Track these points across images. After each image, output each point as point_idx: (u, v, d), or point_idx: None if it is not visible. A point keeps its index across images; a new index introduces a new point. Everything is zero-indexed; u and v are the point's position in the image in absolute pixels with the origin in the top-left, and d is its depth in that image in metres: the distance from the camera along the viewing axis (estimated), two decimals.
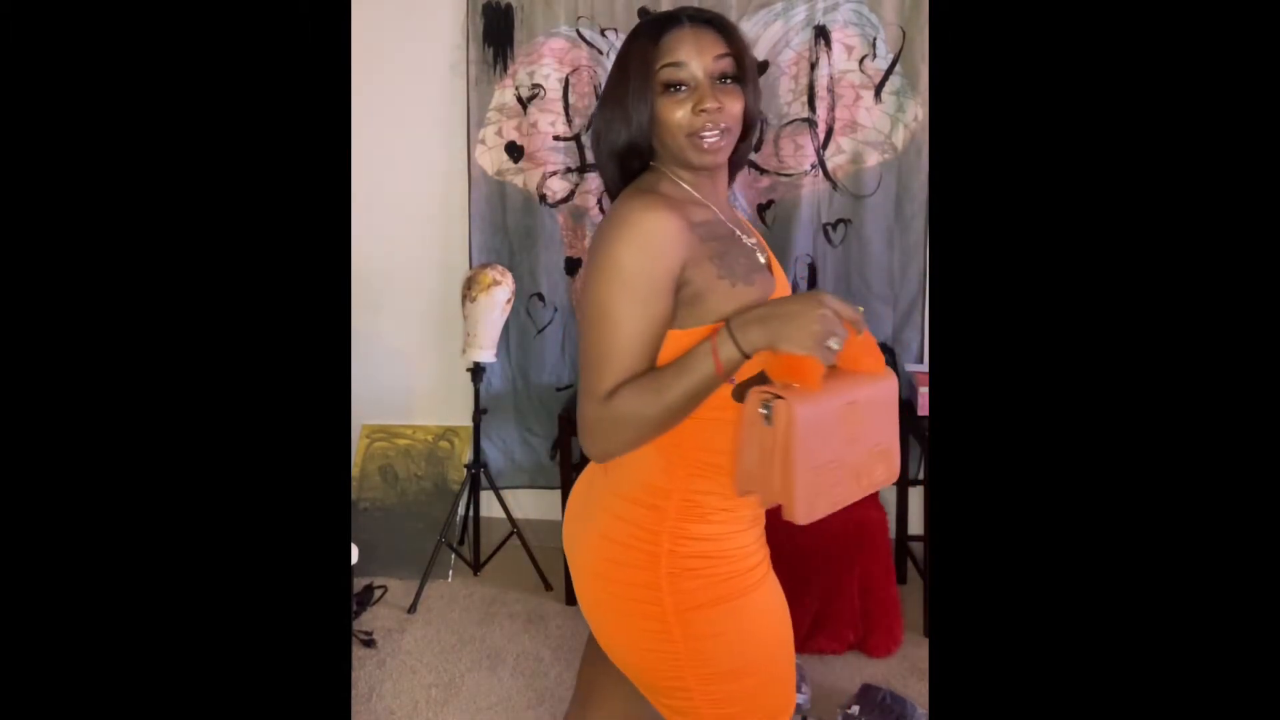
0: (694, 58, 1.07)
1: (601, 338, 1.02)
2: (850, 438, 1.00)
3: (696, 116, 1.06)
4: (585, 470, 1.26)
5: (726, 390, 1.07)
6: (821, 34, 2.75)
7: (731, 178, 1.23)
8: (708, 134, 1.07)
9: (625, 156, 1.13)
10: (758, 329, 0.98)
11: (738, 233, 1.14)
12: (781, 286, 1.16)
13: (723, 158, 1.11)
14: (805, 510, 0.96)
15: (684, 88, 1.07)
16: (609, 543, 1.13)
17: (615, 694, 1.32)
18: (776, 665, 1.16)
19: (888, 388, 1.05)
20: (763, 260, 1.16)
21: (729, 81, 1.09)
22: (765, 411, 0.95)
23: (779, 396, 0.95)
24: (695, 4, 2.78)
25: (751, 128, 1.15)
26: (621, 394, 1.01)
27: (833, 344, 0.94)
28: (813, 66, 2.76)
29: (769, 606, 1.16)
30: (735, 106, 1.09)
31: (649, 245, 1.01)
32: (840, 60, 2.77)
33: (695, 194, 1.13)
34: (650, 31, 1.09)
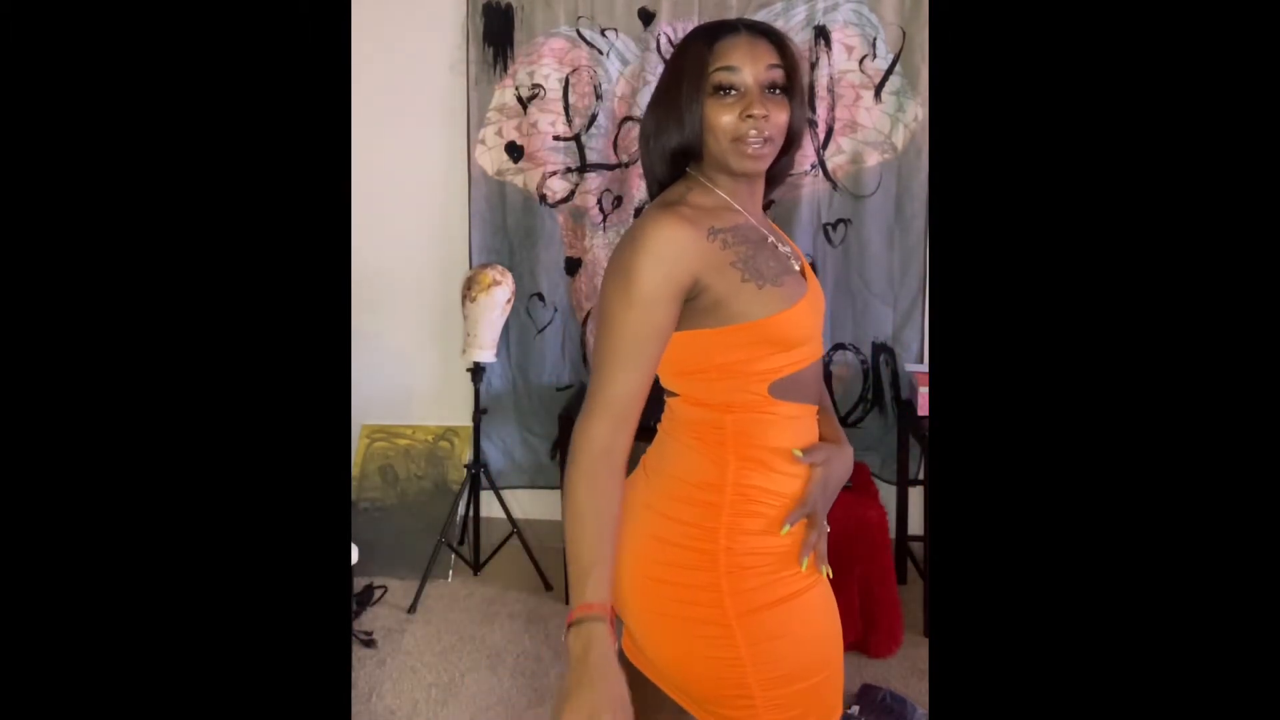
0: (747, 64, 1.08)
1: (601, 342, 1.05)
2: None
3: (744, 122, 1.08)
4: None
5: (764, 388, 1.10)
6: (821, 34, 2.75)
7: (770, 190, 1.24)
8: (752, 140, 1.08)
9: (675, 158, 1.14)
10: (571, 665, 0.95)
11: (771, 239, 1.16)
12: (814, 293, 1.17)
13: (764, 165, 1.12)
14: None
15: (734, 92, 1.09)
16: (662, 544, 1.11)
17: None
18: (832, 663, 1.15)
19: None
20: (796, 267, 1.17)
21: (778, 92, 1.11)
22: None
23: None
24: (696, 10, 2.78)
25: (794, 142, 1.17)
26: (580, 463, 1.03)
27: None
28: (813, 66, 2.76)
29: (824, 604, 1.16)
30: (781, 117, 1.10)
31: (656, 256, 1.03)
32: (840, 60, 2.77)
33: (730, 200, 1.14)
34: (706, 36, 1.11)
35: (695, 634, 1.10)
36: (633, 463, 1.24)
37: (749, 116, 1.07)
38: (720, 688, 1.10)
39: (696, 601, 1.09)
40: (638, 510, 1.14)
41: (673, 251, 1.03)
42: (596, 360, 1.06)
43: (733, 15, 2.73)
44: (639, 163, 1.35)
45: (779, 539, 1.11)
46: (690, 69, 1.10)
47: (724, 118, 1.08)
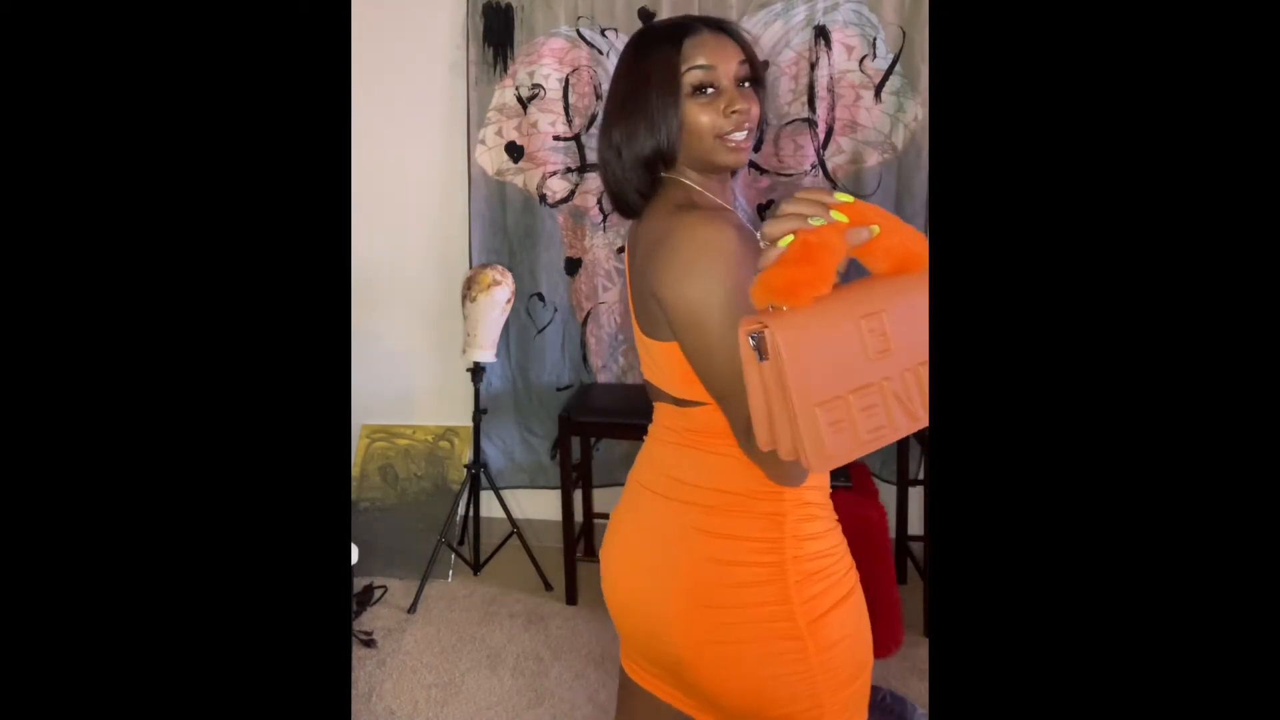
0: (720, 62, 1.08)
1: (727, 370, 0.98)
2: (880, 356, 0.81)
3: (727, 118, 1.07)
4: (619, 514, 1.19)
5: None
6: (821, 34, 2.75)
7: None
8: (737, 134, 1.08)
9: (653, 164, 1.12)
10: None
11: (755, 234, 1.16)
12: None
13: (745, 158, 1.12)
14: (817, 454, 0.77)
15: (711, 90, 1.08)
16: (722, 566, 1.06)
17: None
18: (871, 659, 1.16)
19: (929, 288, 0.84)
20: None
21: (748, 85, 1.11)
22: (753, 343, 0.77)
23: (766, 326, 0.77)
24: (696, 8, 2.78)
25: (761, 133, 1.18)
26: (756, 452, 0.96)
27: (812, 220, 0.79)
28: (813, 66, 2.76)
29: (862, 604, 1.17)
30: (756, 109, 1.11)
31: (721, 254, 0.99)
32: (840, 60, 2.77)
33: (720, 200, 1.14)
34: (667, 38, 1.10)
35: (770, 652, 1.05)
36: (616, 466, 1.22)
37: (733, 112, 1.07)
38: (794, 703, 1.06)
39: (769, 617, 1.05)
40: (686, 534, 1.08)
41: (738, 246, 1.00)
42: (723, 381, 0.97)
43: (733, 15, 2.74)
44: None
45: (830, 539, 1.11)
46: (659, 73, 1.08)
47: (704, 117, 1.07)
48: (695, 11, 2.77)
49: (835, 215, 0.79)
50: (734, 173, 1.22)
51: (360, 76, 2.89)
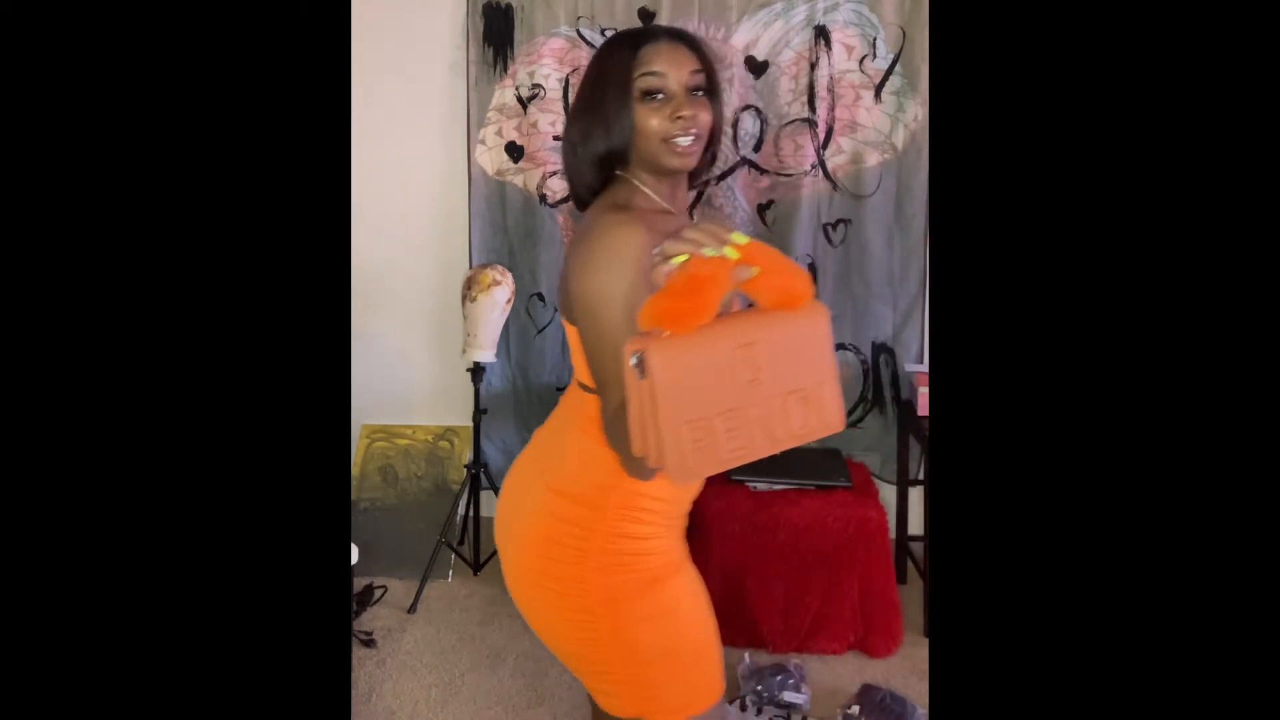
0: (671, 69, 1.15)
1: (604, 348, 1.08)
2: (749, 383, 0.88)
3: (673, 123, 1.14)
4: (518, 460, 1.33)
5: None
6: (821, 34, 2.75)
7: (691, 187, 1.31)
8: (682, 139, 1.15)
9: (603, 163, 1.20)
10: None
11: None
12: None
13: (694, 163, 1.19)
14: (678, 467, 0.86)
15: (660, 96, 1.15)
16: (546, 542, 1.20)
17: None
18: (697, 652, 1.23)
19: (807, 324, 0.91)
20: None
21: (700, 94, 1.17)
22: (635, 362, 0.85)
23: (647, 348, 0.85)
24: (695, 10, 2.78)
25: (715, 140, 1.24)
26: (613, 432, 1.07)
27: (657, 276, 0.87)
28: (813, 66, 2.76)
29: (687, 593, 1.24)
30: (706, 117, 1.17)
31: (622, 259, 1.07)
32: (840, 60, 2.77)
33: (664, 203, 1.20)
34: (627, 44, 1.17)
35: (567, 619, 1.20)
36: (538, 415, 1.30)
37: (679, 118, 1.14)
38: (582, 661, 1.23)
39: (567, 592, 1.19)
40: (526, 504, 1.24)
41: (643, 258, 1.06)
42: (605, 378, 1.08)
43: (733, 15, 2.75)
44: None
45: (651, 543, 1.20)
46: (614, 76, 1.16)
47: (652, 121, 1.14)
48: (695, 13, 2.78)
49: (728, 251, 0.86)
50: (691, 181, 1.29)
51: (360, 77, 2.89)
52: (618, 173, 1.21)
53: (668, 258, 0.87)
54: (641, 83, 1.14)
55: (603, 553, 1.17)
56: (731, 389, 0.88)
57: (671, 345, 0.85)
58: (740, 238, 0.87)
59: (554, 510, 1.20)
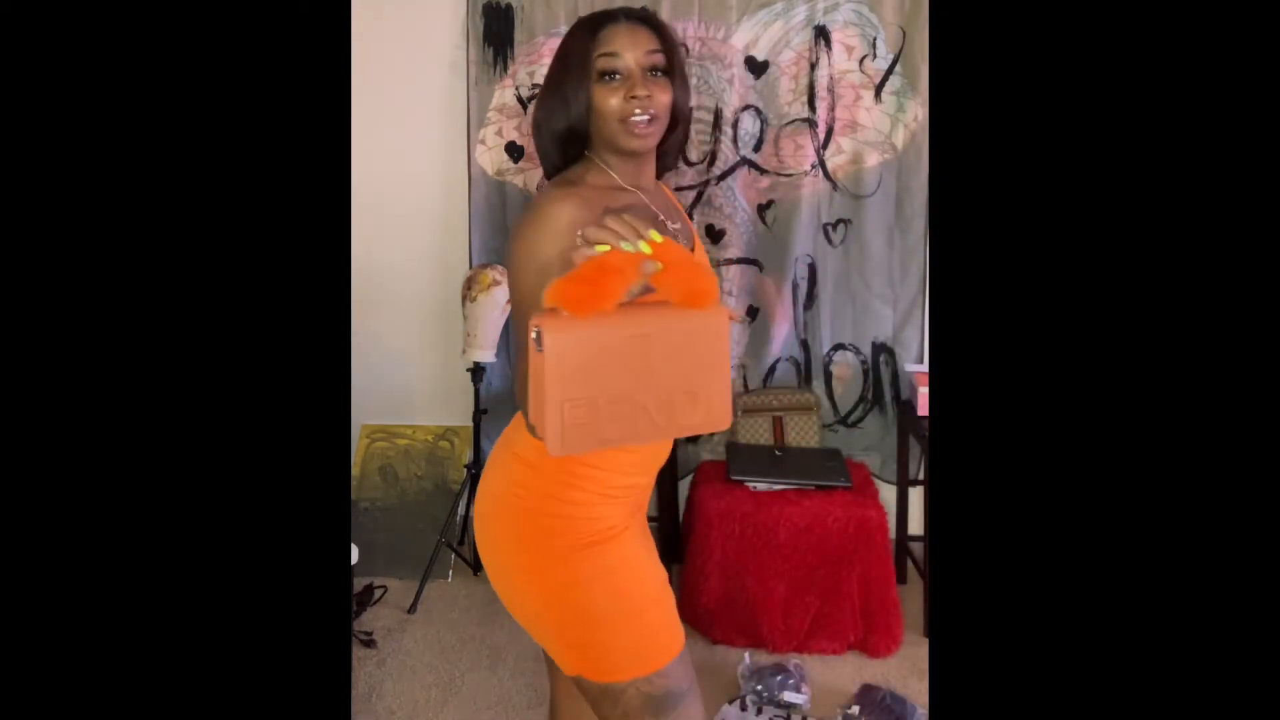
0: (628, 50, 1.17)
1: (515, 312, 1.14)
2: (640, 373, 0.91)
3: (628, 103, 1.16)
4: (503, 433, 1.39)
5: None
6: (821, 34, 2.75)
7: (664, 169, 1.33)
8: (638, 119, 1.16)
9: (566, 142, 1.22)
10: None
11: (661, 216, 1.25)
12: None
13: (652, 143, 1.21)
14: (555, 440, 0.90)
15: (617, 76, 1.17)
16: (501, 503, 1.27)
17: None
18: (639, 612, 1.24)
19: (706, 323, 0.94)
20: (686, 244, 1.27)
21: (659, 74, 1.19)
22: (534, 336, 0.89)
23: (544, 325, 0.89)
24: (695, 7, 2.78)
25: (679, 120, 1.25)
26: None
27: (574, 256, 0.91)
28: (813, 66, 2.76)
29: (628, 556, 1.26)
30: (664, 97, 1.18)
31: (544, 231, 1.10)
32: (840, 60, 2.76)
33: (621, 181, 1.22)
34: (588, 26, 1.20)
35: (503, 563, 1.26)
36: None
37: (633, 98, 1.16)
38: (525, 610, 1.27)
39: (506, 549, 1.26)
40: (494, 463, 1.30)
41: (558, 225, 1.10)
42: (519, 333, 1.12)
43: (733, 15, 2.75)
44: None
45: (590, 509, 1.22)
46: (575, 57, 1.18)
47: (610, 100, 1.17)
48: (695, 13, 2.78)
49: (643, 246, 0.91)
50: (665, 165, 1.32)
51: (360, 77, 2.89)
52: (586, 154, 1.23)
53: (589, 243, 0.91)
54: (600, 63, 1.17)
55: (540, 513, 1.22)
56: (621, 375, 0.91)
57: (567, 325, 0.88)
58: (656, 235, 0.92)
59: (510, 474, 1.26)
